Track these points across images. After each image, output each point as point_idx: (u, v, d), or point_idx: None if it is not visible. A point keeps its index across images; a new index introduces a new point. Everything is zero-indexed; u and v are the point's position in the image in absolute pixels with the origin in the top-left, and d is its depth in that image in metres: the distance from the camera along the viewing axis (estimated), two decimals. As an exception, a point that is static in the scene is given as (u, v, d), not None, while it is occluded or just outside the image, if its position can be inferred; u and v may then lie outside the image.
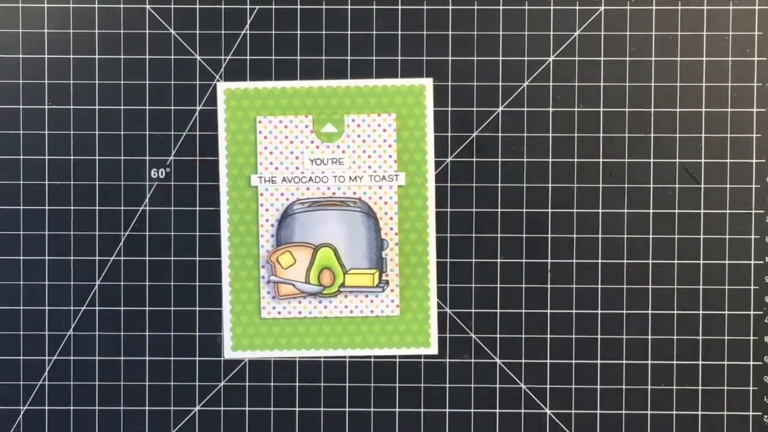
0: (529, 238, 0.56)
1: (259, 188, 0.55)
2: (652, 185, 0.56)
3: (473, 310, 0.56)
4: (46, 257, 0.56)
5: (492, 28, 0.56)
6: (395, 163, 0.55)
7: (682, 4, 0.56)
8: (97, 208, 0.56)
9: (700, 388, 0.55)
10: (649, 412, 0.55)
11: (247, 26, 0.56)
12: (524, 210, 0.56)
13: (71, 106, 0.56)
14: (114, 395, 0.56)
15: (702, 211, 0.56)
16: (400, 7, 0.56)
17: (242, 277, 0.56)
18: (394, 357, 0.56)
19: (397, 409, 0.56)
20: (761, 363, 0.56)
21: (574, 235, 0.55)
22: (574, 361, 0.56)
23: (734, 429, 0.55)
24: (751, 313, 0.56)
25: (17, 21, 0.56)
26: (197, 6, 0.56)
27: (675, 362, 0.55)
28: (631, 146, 0.56)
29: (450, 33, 0.56)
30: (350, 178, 0.55)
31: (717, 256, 0.56)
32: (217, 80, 0.56)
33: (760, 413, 0.56)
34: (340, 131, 0.55)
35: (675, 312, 0.56)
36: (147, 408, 0.56)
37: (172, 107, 0.56)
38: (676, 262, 0.56)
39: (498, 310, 0.56)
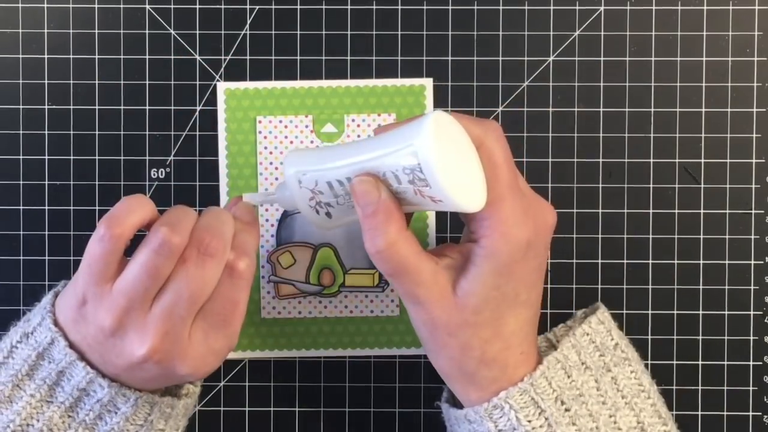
0: (529, 238, 0.56)
1: (259, 188, 0.55)
2: (652, 185, 0.56)
3: (473, 310, 0.56)
4: (46, 257, 0.56)
5: (492, 28, 0.56)
6: (395, 163, 0.55)
7: (682, 4, 0.56)
8: (97, 208, 0.56)
9: (700, 388, 0.55)
10: (649, 412, 0.55)
11: (247, 26, 0.56)
12: (524, 210, 0.56)
13: (71, 106, 0.56)
14: (114, 395, 0.56)
15: (702, 211, 0.56)
16: (400, 7, 0.56)
17: (242, 277, 0.55)
18: (394, 357, 0.56)
19: (397, 409, 0.56)
20: (761, 363, 0.56)
21: (574, 235, 0.55)
22: (574, 361, 0.55)
23: (734, 429, 0.55)
24: (751, 313, 0.56)
25: (17, 21, 0.56)
26: (197, 6, 0.56)
27: (675, 362, 0.55)
28: (631, 146, 0.56)
29: (450, 33, 0.56)
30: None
31: (717, 256, 0.56)
32: (217, 80, 0.56)
33: (760, 413, 0.56)
34: (340, 131, 0.55)
35: (675, 312, 0.56)
36: (147, 408, 0.55)
37: (172, 107, 0.56)
38: (676, 262, 0.56)
39: (498, 310, 0.56)
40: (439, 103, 0.55)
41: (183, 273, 0.43)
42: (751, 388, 0.56)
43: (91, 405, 0.45)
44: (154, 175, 0.56)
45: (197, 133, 0.56)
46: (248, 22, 0.56)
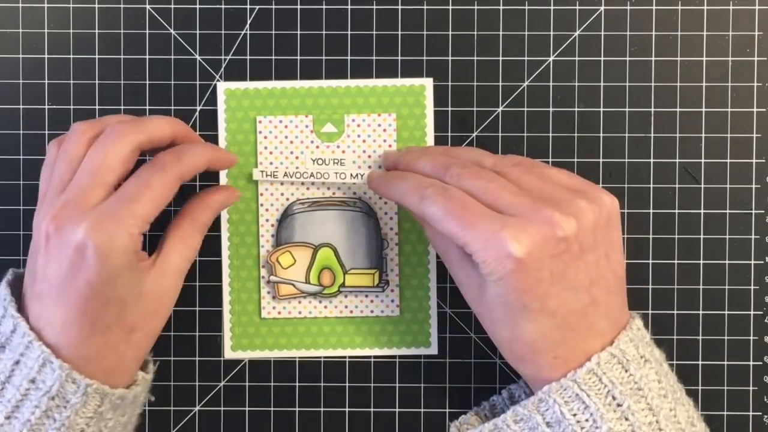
0: (529, 238, 0.55)
1: (259, 188, 0.55)
2: (652, 185, 0.56)
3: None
4: (46, 257, 0.56)
5: (492, 28, 0.56)
6: (395, 163, 0.55)
7: (682, 4, 0.56)
8: (97, 208, 0.56)
9: (700, 388, 0.55)
10: (649, 412, 0.55)
11: (247, 26, 0.56)
12: (524, 210, 0.56)
13: (71, 106, 0.56)
14: (114, 395, 0.56)
15: (702, 211, 0.56)
16: (400, 7, 0.56)
17: (242, 277, 0.56)
18: (394, 357, 0.56)
19: (397, 409, 0.56)
20: (761, 363, 0.56)
21: (574, 235, 0.55)
22: (574, 361, 0.55)
23: (734, 429, 0.55)
24: (751, 313, 0.56)
25: (17, 21, 0.56)
26: (197, 6, 0.56)
27: (675, 362, 0.55)
28: (631, 146, 0.56)
29: (450, 33, 0.56)
30: (351, 177, 0.55)
31: (717, 256, 0.56)
32: (217, 80, 0.56)
33: (760, 413, 0.56)
34: (340, 131, 0.55)
35: (675, 312, 0.56)
36: (147, 408, 0.55)
37: (172, 107, 0.56)
38: (676, 262, 0.56)
39: (498, 310, 0.56)
40: (439, 103, 0.55)
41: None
42: (751, 388, 0.56)
43: (38, 399, 0.44)
44: (154, 175, 0.55)
45: (197, 133, 0.55)
46: (248, 22, 0.56)
